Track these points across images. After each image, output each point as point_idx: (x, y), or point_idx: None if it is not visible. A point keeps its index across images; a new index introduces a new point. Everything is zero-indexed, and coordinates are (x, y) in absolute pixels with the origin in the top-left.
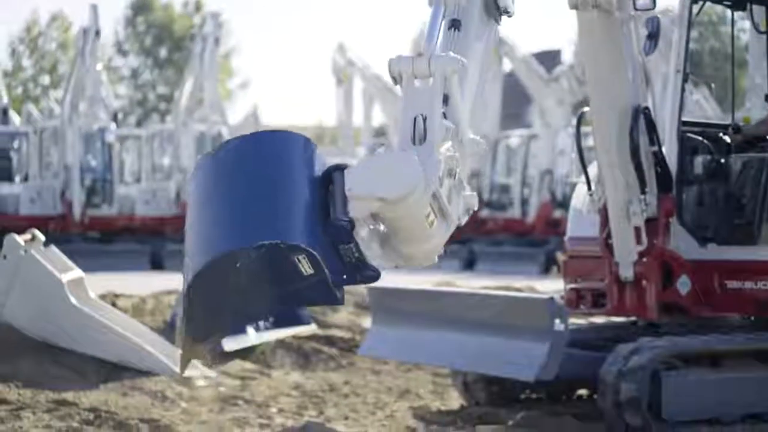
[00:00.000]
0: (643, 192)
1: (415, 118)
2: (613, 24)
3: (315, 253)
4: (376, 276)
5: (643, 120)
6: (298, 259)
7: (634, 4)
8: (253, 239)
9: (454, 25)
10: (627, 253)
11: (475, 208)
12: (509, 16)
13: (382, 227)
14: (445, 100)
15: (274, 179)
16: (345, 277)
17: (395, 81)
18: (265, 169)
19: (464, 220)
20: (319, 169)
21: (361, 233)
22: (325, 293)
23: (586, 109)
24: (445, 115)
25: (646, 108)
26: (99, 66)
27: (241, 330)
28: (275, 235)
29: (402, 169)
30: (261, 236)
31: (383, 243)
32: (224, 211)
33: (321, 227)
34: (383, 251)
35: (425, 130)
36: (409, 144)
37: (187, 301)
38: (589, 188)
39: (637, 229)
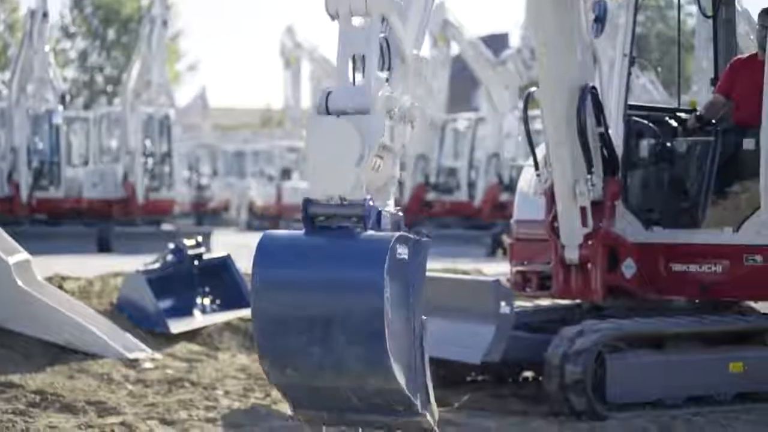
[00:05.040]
0: (589, 172)
1: (353, 57)
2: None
3: None
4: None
5: (590, 99)
6: None
7: None
8: None
9: None
10: (573, 235)
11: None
12: None
13: None
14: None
15: None
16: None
17: (332, 19)
18: None
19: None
20: None
21: None
22: None
23: (533, 89)
24: (387, 42)
25: (594, 87)
26: (47, 48)
27: None
28: None
29: (347, 148)
30: None
31: None
32: None
33: None
34: None
35: (363, 69)
36: (347, 87)
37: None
38: (537, 168)
39: (583, 210)
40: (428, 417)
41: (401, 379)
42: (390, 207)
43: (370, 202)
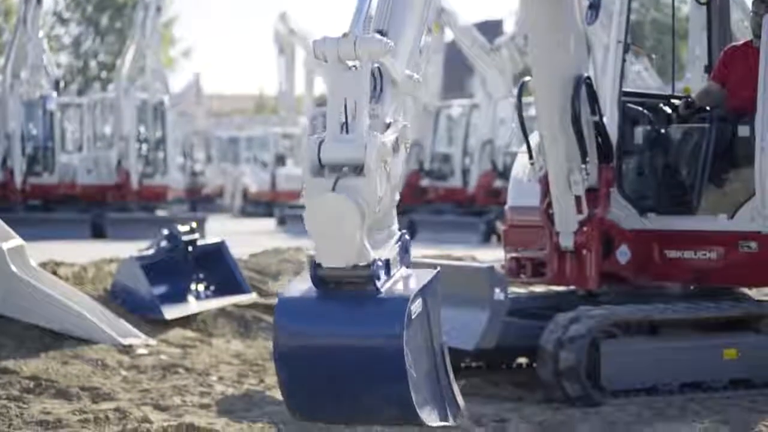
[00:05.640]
0: (584, 161)
1: (345, 102)
2: None
3: None
4: None
5: (584, 89)
6: None
7: None
8: None
9: None
10: (567, 222)
11: (409, 141)
12: None
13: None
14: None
15: None
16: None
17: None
18: None
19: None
20: None
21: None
22: None
23: (527, 78)
24: (380, 70)
25: (588, 77)
26: (40, 34)
27: None
28: None
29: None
30: None
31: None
32: None
33: None
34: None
35: (356, 114)
36: (338, 136)
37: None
38: (531, 157)
39: (577, 199)
40: (459, 420)
41: (432, 419)
42: (394, 228)
43: (379, 262)
